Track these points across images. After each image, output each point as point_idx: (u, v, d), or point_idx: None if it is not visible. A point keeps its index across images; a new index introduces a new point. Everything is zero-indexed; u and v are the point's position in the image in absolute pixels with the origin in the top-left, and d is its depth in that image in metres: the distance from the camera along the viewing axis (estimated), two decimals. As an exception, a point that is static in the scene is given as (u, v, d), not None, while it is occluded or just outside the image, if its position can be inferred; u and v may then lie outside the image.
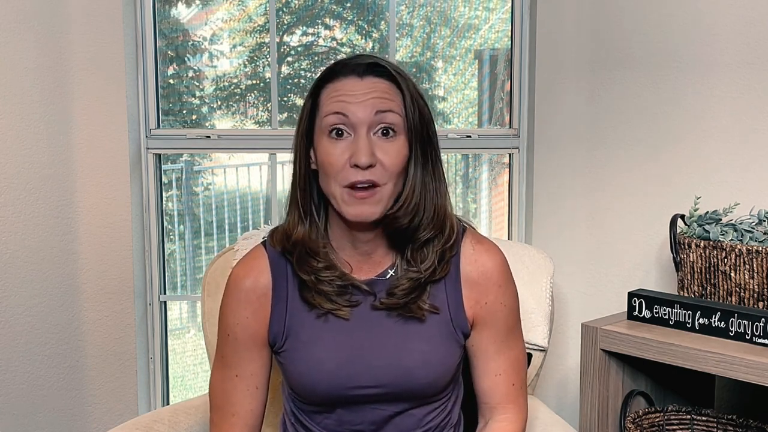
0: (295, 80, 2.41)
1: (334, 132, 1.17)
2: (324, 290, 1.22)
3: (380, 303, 1.23)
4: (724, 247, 1.66)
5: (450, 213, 1.24)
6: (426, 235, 1.21)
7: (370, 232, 1.22)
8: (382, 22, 2.34)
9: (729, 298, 1.67)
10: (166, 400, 2.35)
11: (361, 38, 2.39)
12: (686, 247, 1.73)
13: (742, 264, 1.64)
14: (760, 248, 1.62)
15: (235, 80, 2.40)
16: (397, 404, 1.25)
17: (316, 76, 1.23)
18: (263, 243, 1.29)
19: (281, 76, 2.36)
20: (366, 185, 1.15)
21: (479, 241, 1.29)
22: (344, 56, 1.26)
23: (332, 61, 1.24)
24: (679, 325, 1.64)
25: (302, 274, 1.22)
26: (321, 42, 2.39)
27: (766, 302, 1.63)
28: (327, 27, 2.38)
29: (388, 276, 1.25)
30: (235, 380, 1.27)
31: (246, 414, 1.28)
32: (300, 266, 1.23)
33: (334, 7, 2.35)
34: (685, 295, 1.75)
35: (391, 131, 1.17)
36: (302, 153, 1.22)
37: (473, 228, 1.32)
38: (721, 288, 1.68)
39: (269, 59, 2.29)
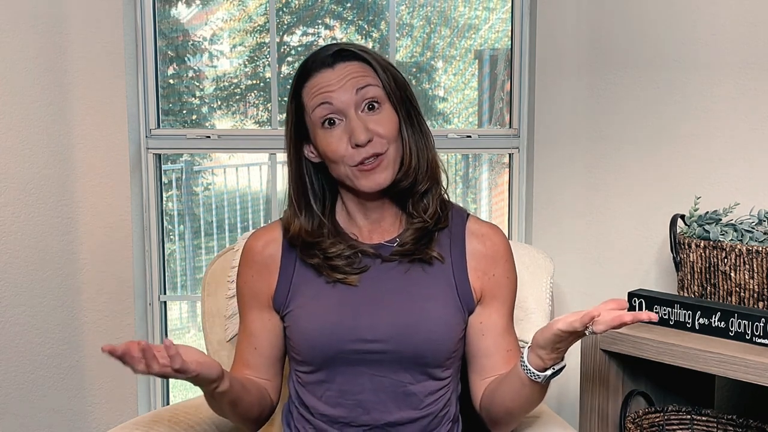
0: (295, 80, 2.41)
1: (327, 122, 1.25)
2: (334, 264, 1.28)
3: (390, 255, 1.29)
4: (724, 247, 1.66)
5: (440, 163, 1.33)
6: (423, 187, 1.29)
7: (379, 198, 1.30)
8: (382, 22, 2.34)
9: (729, 298, 1.67)
10: (166, 400, 2.35)
11: (361, 38, 2.39)
12: (686, 247, 1.73)
13: (742, 264, 1.64)
14: (760, 248, 1.62)
15: (235, 80, 2.40)
16: (398, 371, 1.27)
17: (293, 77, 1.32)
18: (280, 218, 1.37)
19: (281, 76, 2.36)
20: (371, 156, 1.23)
21: (484, 221, 1.38)
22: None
23: (306, 57, 1.32)
24: (679, 325, 1.64)
25: (310, 260, 1.30)
26: (321, 42, 2.39)
27: (766, 302, 1.63)
28: (327, 27, 2.39)
29: (396, 243, 1.31)
30: (242, 335, 1.37)
31: (249, 365, 1.35)
32: (305, 254, 1.30)
33: (334, 7, 2.35)
34: (685, 295, 1.75)
35: (375, 104, 1.25)
36: (293, 150, 1.31)
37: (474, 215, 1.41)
38: (721, 288, 1.68)
39: (269, 59, 2.29)
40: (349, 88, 1.23)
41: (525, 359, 1.20)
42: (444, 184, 1.34)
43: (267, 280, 1.33)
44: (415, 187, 1.29)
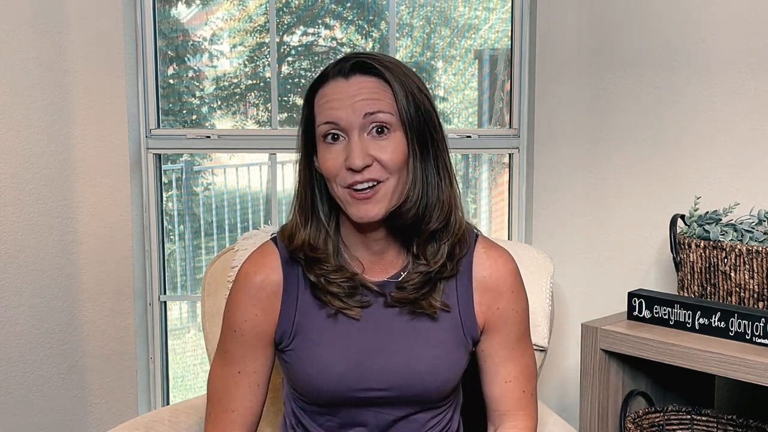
0: (295, 80, 2.41)
1: (330, 137, 1.17)
2: (334, 291, 1.21)
3: (391, 298, 1.22)
4: (724, 247, 1.66)
5: (456, 209, 1.23)
6: (432, 226, 1.20)
7: (380, 230, 1.22)
8: (382, 22, 2.34)
9: (729, 298, 1.67)
10: (166, 400, 2.35)
11: (361, 38, 2.39)
12: (686, 247, 1.73)
13: (742, 264, 1.64)
14: (760, 248, 1.62)
15: (235, 80, 2.40)
16: (402, 408, 1.24)
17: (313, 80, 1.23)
18: (273, 239, 1.29)
19: (281, 76, 2.36)
20: (366, 186, 1.15)
21: (492, 247, 1.29)
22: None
23: (332, 61, 1.23)
24: (679, 325, 1.64)
25: (311, 277, 1.22)
26: (321, 42, 2.39)
27: (766, 302, 1.63)
28: (327, 27, 2.39)
29: (400, 278, 1.24)
30: (237, 377, 1.26)
31: (245, 411, 1.27)
32: (309, 269, 1.22)
33: (334, 7, 2.35)
34: (685, 295, 1.75)
35: (385, 129, 1.16)
36: (304, 158, 1.23)
37: (483, 235, 1.32)
38: (721, 288, 1.68)
39: (269, 59, 2.29)
40: (358, 110, 1.14)
41: None
42: (460, 223, 1.23)
43: (270, 316, 1.24)
44: (424, 226, 1.19)
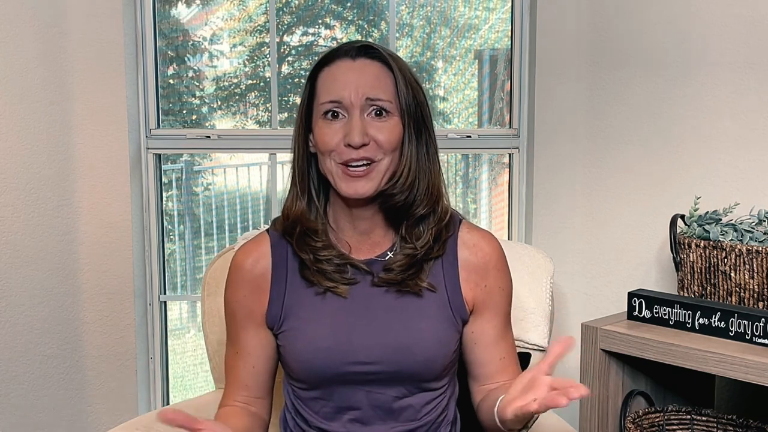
0: (296, 80, 2.41)
1: (330, 114, 1.22)
2: (323, 269, 1.26)
3: (378, 279, 1.26)
4: (724, 247, 1.66)
5: (443, 193, 1.29)
6: (420, 211, 1.25)
7: (368, 209, 1.26)
8: (382, 22, 2.34)
9: (729, 298, 1.67)
10: (166, 400, 2.35)
11: (361, 38, 2.39)
12: (686, 247, 1.73)
13: (742, 264, 1.64)
14: (760, 248, 1.62)
15: (235, 80, 2.40)
16: (393, 386, 1.26)
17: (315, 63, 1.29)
18: (267, 229, 1.35)
19: (281, 75, 2.36)
20: (361, 164, 1.20)
21: (476, 229, 1.34)
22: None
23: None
24: (679, 325, 1.64)
25: (301, 254, 1.27)
26: (321, 42, 2.39)
27: (766, 302, 1.63)
28: (327, 27, 2.39)
29: (387, 257, 1.28)
30: (236, 356, 1.33)
31: (247, 387, 1.33)
32: (299, 246, 1.27)
33: (335, 7, 2.35)
34: (685, 295, 1.75)
35: (384, 112, 1.22)
36: (301, 135, 1.28)
37: (467, 220, 1.37)
38: (721, 288, 1.68)
39: (269, 59, 2.29)
40: (361, 92, 1.21)
41: (497, 420, 1.17)
42: (446, 209, 1.29)
43: (259, 299, 1.30)
44: (413, 209, 1.25)
